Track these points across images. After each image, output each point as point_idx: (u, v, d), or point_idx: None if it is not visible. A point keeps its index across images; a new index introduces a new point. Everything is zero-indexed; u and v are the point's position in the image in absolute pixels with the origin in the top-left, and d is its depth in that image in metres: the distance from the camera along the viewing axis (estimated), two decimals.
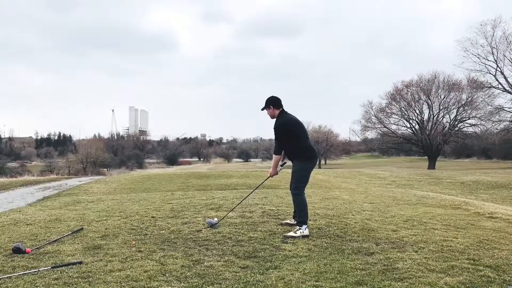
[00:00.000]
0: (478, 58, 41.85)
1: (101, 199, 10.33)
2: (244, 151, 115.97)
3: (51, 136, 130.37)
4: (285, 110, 6.01)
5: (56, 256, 4.73)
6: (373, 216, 7.07)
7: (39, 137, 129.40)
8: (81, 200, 10.02)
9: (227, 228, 6.08)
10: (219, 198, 9.40)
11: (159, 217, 7.04)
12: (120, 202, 9.37)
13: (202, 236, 5.59)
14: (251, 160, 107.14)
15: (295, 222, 6.06)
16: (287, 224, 6.24)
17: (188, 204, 8.59)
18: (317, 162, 6.60)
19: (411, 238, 5.48)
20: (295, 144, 5.89)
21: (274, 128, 5.93)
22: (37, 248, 5.09)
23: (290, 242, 5.24)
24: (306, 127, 6.32)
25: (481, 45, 41.44)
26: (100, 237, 5.65)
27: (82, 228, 6.18)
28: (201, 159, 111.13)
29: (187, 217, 6.98)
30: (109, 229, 6.16)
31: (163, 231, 5.94)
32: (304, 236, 5.52)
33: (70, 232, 5.91)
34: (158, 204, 8.75)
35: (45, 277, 3.98)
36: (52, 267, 4.27)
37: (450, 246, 5.04)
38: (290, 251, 4.85)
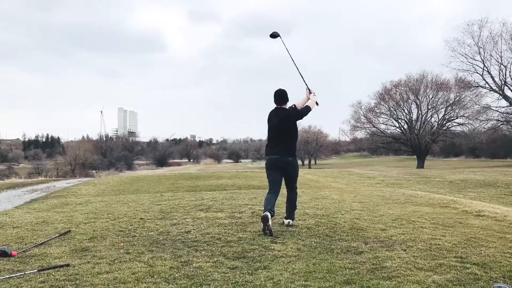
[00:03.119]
0: (466, 57, 42.33)
1: (89, 201, 10.24)
2: (234, 152, 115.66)
3: (39, 138, 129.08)
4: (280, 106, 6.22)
5: (42, 259, 4.68)
6: (362, 216, 7.09)
7: (26, 139, 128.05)
8: (69, 202, 9.93)
9: (216, 228, 6.06)
10: (209, 199, 9.37)
11: (148, 219, 6.99)
12: (108, 204, 9.30)
13: (191, 237, 5.56)
14: (242, 160, 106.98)
15: (288, 222, 6.21)
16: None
17: (177, 205, 8.55)
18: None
19: (399, 237, 5.51)
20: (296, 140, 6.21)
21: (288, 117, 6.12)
22: (23, 251, 5.03)
23: (279, 242, 5.23)
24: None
25: (468, 45, 41.91)
26: (88, 239, 5.60)
27: (69, 231, 6.12)
28: (191, 160, 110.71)
29: (176, 218, 6.95)
30: (97, 231, 6.10)
31: (152, 233, 5.90)
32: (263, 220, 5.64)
33: (57, 235, 5.85)
34: (147, 205, 8.70)
35: (31, 280, 3.93)
36: (39, 270, 4.22)
37: (438, 245, 5.07)
38: (279, 251, 4.85)
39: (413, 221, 6.67)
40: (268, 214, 5.61)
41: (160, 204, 8.73)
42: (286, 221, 6.24)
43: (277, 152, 6.06)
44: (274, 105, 6.24)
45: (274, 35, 6.69)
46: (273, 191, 6.03)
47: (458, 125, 47.50)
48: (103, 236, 5.76)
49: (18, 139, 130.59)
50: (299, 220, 6.60)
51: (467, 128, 46.36)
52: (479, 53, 41.63)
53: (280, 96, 6.19)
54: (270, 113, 6.26)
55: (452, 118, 47.16)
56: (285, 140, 6.10)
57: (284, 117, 6.11)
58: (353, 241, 5.25)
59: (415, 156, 51.01)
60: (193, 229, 6.08)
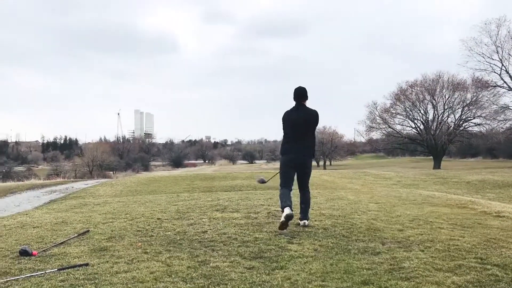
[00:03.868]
0: (483, 57, 41.72)
1: (107, 201, 10.36)
2: (248, 153, 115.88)
3: (57, 140, 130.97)
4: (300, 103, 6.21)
5: (62, 258, 4.75)
6: (379, 216, 7.05)
7: (45, 141, 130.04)
8: (87, 203, 10.06)
9: (233, 229, 6.08)
10: (224, 200, 9.40)
11: (165, 219, 7.05)
12: (126, 204, 9.40)
13: (208, 237, 5.59)
14: (256, 161, 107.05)
15: (303, 223, 6.21)
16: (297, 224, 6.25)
17: (193, 205, 8.60)
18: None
19: (417, 237, 5.46)
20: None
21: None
22: (43, 250, 5.11)
23: (296, 243, 5.23)
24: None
25: (485, 44, 41.31)
26: (106, 239, 5.66)
27: (88, 231, 6.20)
28: (206, 161, 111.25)
29: (192, 219, 6.99)
30: (115, 231, 6.17)
31: (169, 233, 5.94)
32: (286, 217, 5.68)
33: (76, 235, 5.93)
34: (163, 206, 8.76)
35: (51, 279, 3.99)
36: (59, 269, 4.28)
37: (457, 245, 5.01)
38: (296, 251, 4.84)
39: (431, 221, 6.60)
40: (291, 211, 5.66)
41: (176, 205, 8.79)
42: (301, 222, 6.23)
43: (298, 150, 6.07)
44: (292, 104, 6.21)
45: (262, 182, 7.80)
46: (288, 187, 6.05)
47: (475, 125, 46.94)
48: (121, 236, 5.83)
49: (37, 141, 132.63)
50: (315, 220, 6.58)
51: (485, 128, 45.77)
52: (497, 52, 41.04)
53: (301, 92, 6.16)
54: (288, 111, 6.20)
55: (469, 119, 46.58)
56: (307, 139, 6.11)
57: (309, 115, 6.11)
58: (370, 242, 5.22)
59: (431, 157, 50.50)
60: (210, 229, 6.11)
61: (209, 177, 20.71)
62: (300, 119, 6.07)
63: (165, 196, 11.06)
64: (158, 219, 7.08)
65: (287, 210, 5.69)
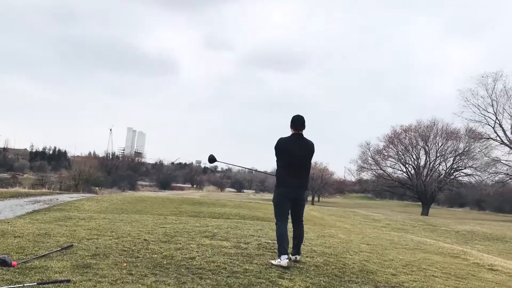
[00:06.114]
0: (478, 108, 42.36)
1: (92, 217, 10.08)
2: (238, 181, 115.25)
3: (46, 150, 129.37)
4: (296, 132, 5.98)
5: (43, 272, 4.52)
6: (371, 258, 6.88)
7: (34, 150, 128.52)
8: (72, 217, 9.78)
9: (222, 257, 5.88)
10: (213, 226, 9.18)
11: (152, 241, 6.82)
12: (111, 221, 9.14)
13: (196, 264, 5.38)
14: (244, 190, 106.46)
15: (295, 258, 6.01)
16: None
17: (181, 229, 8.38)
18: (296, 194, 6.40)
19: (411, 284, 5.31)
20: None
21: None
22: (23, 262, 4.88)
23: (287, 278, 5.04)
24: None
25: (481, 97, 42.02)
26: (90, 256, 5.44)
27: (72, 245, 5.96)
28: (194, 186, 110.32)
29: (180, 243, 6.77)
30: (100, 248, 5.94)
31: (156, 255, 5.73)
32: (282, 267, 5.46)
33: (59, 248, 5.69)
34: (150, 227, 8.53)
35: None
36: (38, 284, 4.06)
37: None
38: (287, 287, 4.66)
39: (424, 268, 6.45)
40: (288, 263, 5.55)
41: (164, 227, 8.56)
42: (293, 257, 6.02)
43: (296, 183, 5.89)
44: (289, 132, 5.98)
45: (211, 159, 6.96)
46: (285, 220, 5.86)
47: (466, 176, 47.20)
48: (105, 254, 5.60)
49: (25, 149, 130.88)
50: (306, 257, 6.40)
51: (475, 179, 45.99)
52: (492, 106, 41.73)
53: (302, 121, 5.93)
54: (285, 141, 5.93)
55: (460, 168, 46.86)
56: (306, 173, 5.98)
57: (308, 146, 5.98)
58: (364, 284, 5.06)
59: (419, 203, 50.46)
60: (198, 255, 5.90)
61: (197, 202, 20.42)
62: (301, 151, 5.90)
63: (152, 217, 10.81)
64: (145, 240, 6.85)
65: (284, 262, 5.51)
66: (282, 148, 5.91)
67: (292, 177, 5.85)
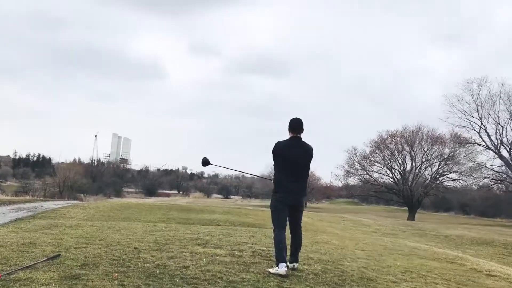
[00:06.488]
0: (464, 114, 42.70)
1: (79, 224, 9.76)
2: (225, 187, 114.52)
3: (30, 157, 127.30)
4: (294, 136, 5.78)
5: (28, 284, 4.26)
6: (369, 265, 6.71)
7: (17, 157, 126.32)
8: (58, 224, 9.44)
9: (217, 266, 5.65)
10: (205, 234, 8.94)
11: (143, 249, 6.56)
12: (99, 229, 8.84)
13: (190, 274, 5.15)
14: (231, 196, 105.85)
15: (293, 265, 5.80)
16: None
17: (172, 237, 8.12)
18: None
19: None
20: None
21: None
22: (7, 273, 4.59)
23: (286, 287, 4.84)
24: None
25: (467, 102, 42.38)
26: (79, 266, 5.17)
27: (59, 255, 5.68)
28: (180, 192, 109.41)
29: (172, 251, 6.52)
30: (89, 257, 5.67)
31: (148, 265, 5.48)
32: (280, 276, 5.25)
33: (45, 258, 5.41)
34: (140, 234, 8.25)
35: None
36: None
37: None
38: None
39: (424, 275, 6.31)
40: (287, 272, 5.34)
41: (154, 235, 8.29)
42: (291, 265, 5.80)
43: (296, 188, 5.69)
44: (286, 136, 5.79)
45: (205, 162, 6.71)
46: (283, 228, 5.64)
47: (451, 180, 47.58)
48: (95, 263, 5.33)
49: (8, 156, 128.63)
50: (304, 264, 6.20)
51: (460, 184, 46.38)
52: (477, 111, 42.10)
53: (300, 124, 5.74)
54: (284, 144, 5.72)
55: (446, 173, 47.20)
56: (305, 178, 5.80)
57: (308, 150, 5.79)
58: None
59: (405, 208, 50.67)
60: (192, 264, 5.66)
61: (185, 208, 20.11)
62: (301, 156, 5.70)
63: (141, 225, 10.52)
64: (136, 248, 6.58)
65: (283, 270, 5.31)
66: (280, 151, 5.70)
67: (290, 182, 5.63)
